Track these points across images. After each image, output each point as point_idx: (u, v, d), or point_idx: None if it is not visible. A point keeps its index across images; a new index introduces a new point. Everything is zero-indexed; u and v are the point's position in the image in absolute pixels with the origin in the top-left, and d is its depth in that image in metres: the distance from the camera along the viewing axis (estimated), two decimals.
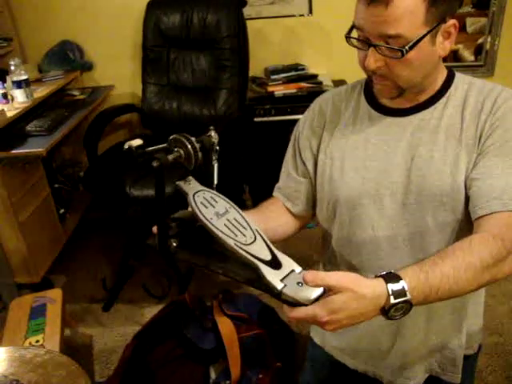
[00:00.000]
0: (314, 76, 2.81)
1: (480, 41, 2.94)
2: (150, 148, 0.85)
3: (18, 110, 2.31)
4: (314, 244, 2.41)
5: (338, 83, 2.79)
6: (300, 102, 2.60)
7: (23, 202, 2.32)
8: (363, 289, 0.73)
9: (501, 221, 0.84)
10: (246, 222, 0.82)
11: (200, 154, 0.84)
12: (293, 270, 0.75)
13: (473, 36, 2.98)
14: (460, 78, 1.01)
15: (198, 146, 0.84)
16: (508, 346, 2.01)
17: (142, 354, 1.74)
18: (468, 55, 3.00)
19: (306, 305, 0.72)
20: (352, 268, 1.08)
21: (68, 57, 2.91)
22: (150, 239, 0.90)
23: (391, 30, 0.85)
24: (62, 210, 2.79)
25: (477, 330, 1.18)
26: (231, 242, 0.77)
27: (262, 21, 2.87)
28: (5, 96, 2.31)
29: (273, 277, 0.73)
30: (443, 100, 0.99)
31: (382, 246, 1.02)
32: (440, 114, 0.98)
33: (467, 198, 0.93)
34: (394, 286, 0.74)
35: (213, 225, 0.79)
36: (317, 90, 2.65)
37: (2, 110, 2.21)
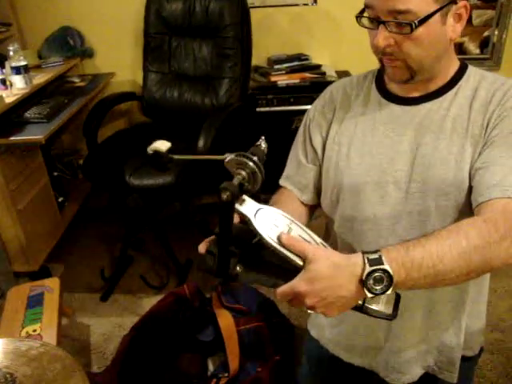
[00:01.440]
0: (318, 66, 2.78)
1: (486, 33, 2.91)
2: (181, 156, 0.79)
3: (16, 97, 2.28)
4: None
5: (342, 74, 2.76)
6: (303, 93, 2.57)
7: (21, 190, 2.30)
8: (337, 257, 0.76)
9: (498, 207, 0.82)
10: (310, 235, 0.80)
11: (263, 170, 0.76)
12: None
13: (479, 29, 2.95)
14: (472, 70, 1.00)
15: (257, 161, 0.75)
16: (509, 342, 1.99)
17: (139, 345, 1.73)
18: (473, 48, 2.97)
19: (389, 318, 0.75)
20: None
21: (68, 43, 2.87)
22: (201, 262, 0.84)
23: (401, 5, 0.84)
24: (60, 199, 2.77)
25: (477, 331, 1.16)
26: (302, 264, 0.76)
27: (266, 9, 2.83)
28: (3, 82, 2.28)
29: None
30: (453, 90, 0.97)
31: (382, 233, 1.01)
32: (449, 104, 0.97)
33: (471, 188, 0.92)
34: (370, 255, 0.75)
35: (284, 248, 0.76)
36: (320, 81, 2.62)
37: (1, 96, 2.19)
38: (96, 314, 2.30)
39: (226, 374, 1.66)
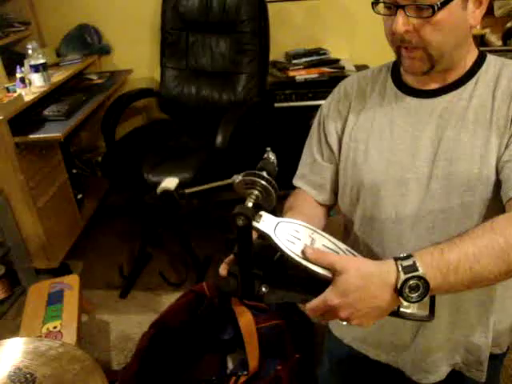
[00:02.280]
0: (336, 61, 2.75)
1: (509, 25, 2.83)
2: (191, 189, 0.76)
3: (35, 95, 2.29)
4: (333, 233, 2.36)
5: (361, 68, 2.72)
6: (321, 87, 2.55)
7: (41, 188, 2.31)
8: (368, 265, 0.73)
9: None
10: (334, 243, 0.77)
11: (276, 185, 0.74)
12: None
13: (501, 20, 2.87)
14: (492, 59, 0.96)
15: (268, 176, 0.73)
16: None
17: (159, 342, 1.73)
18: (495, 40, 2.89)
19: (427, 319, 0.74)
20: (373, 256, 1.04)
21: (86, 41, 2.88)
22: (224, 285, 0.81)
23: None
24: (79, 196, 2.78)
25: (505, 328, 1.12)
26: (330, 276, 0.73)
27: (283, 3, 2.80)
28: (22, 80, 2.29)
29: None
30: (473, 80, 0.94)
31: (404, 233, 0.98)
32: (469, 94, 0.93)
33: (498, 183, 0.88)
34: (403, 262, 0.72)
35: (310, 263, 0.73)
36: (339, 75, 2.58)
37: (20, 94, 2.20)
38: (115, 311, 2.31)
39: (246, 372, 1.65)
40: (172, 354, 1.75)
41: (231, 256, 0.81)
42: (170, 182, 0.74)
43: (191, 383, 1.68)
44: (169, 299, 2.11)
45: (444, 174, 0.92)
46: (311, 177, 1.13)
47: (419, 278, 0.70)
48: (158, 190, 0.74)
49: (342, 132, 1.07)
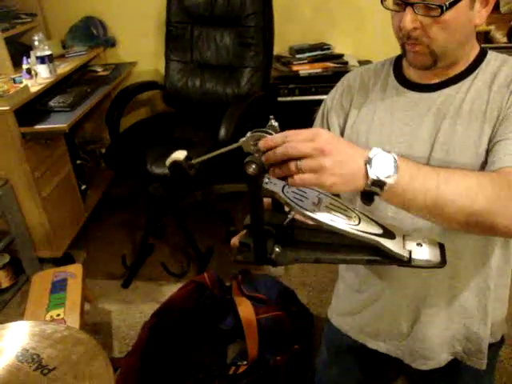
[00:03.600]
0: (340, 56, 2.76)
1: None
2: (199, 159, 0.75)
3: (41, 86, 2.31)
4: None
5: (364, 63, 2.69)
6: (325, 82, 2.56)
7: (46, 178, 2.34)
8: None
9: (509, 175, 0.79)
10: (340, 202, 0.77)
11: None
12: (404, 235, 0.76)
13: (506, 16, 2.87)
14: (493, 55, 0.98)
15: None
16: None
17: (160, 331, 1.75)
18: (500, 37, 2.89)
19: (440, 265, 0.73)
20: None
21: (91, 33, 2.90)
22: (237, 254, 0.81)
23: None
24: (83, 187, 2.81)
25: (499, 316, 1.14)
26: (347, 228, 0.72)
27: None
28: (29, 71, 2.31)
29: (396, 247, 0.72)
30: (473, 75, 0.96)
31: (404, 223, 0.99)
32: (467, 88, 0.95)
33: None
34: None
35: (321, 216, 0.72)
36: (342, 70, 2.59)
37: (26, 85, 2.22)
38: (117, 300, 2.34)
39: (245, 362, 1.67)
40: (173, 343, 1.77)
41: (243, 231, 0.82)
42: (178, 154, 0.74)
43: (191, 372, 1.71)
44: (170, 289, 2.14)
45: (441, 164, 0.93)
46: None
47: (391, 157, 0.69)
48: (167, 162, 0.74)
49: (344, 125, 1.09)
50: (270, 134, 0.70)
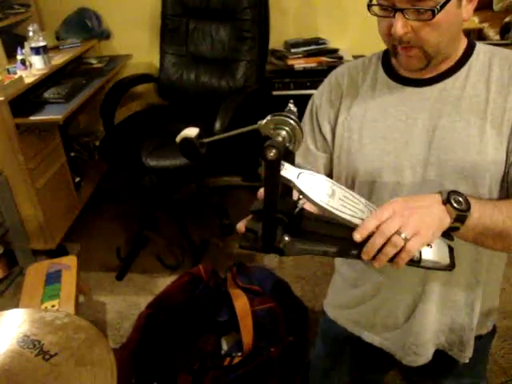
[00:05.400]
0: (335, 50, 2.77)
1: (507, 19, 2.85)
2: (211, 138, 0.74)
3: (35, 77, 2.30)
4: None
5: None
6: (319, 77, 2.51)
7: (40, 169, 2.33)
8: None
9: None
10: (353, 196, 0.77)
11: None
12: None
13: (499, 14, 2.90)
14: (481, 46, 0.98)
15: (296, 118, 0.70)
16: None
17: (155, 323, 1.76)
18: (493, 34, 2.92)
19: (449, 268, 0.77)
20: None
21: (86, 25, 2.88)
22: (243, 240, 0.79)
23: None
24: (77, 179, 2.80)
25: (491, 308, 1.16)
26: (359, 223, 0.73)
27: None
28: (23, 62, 2.30)
29: None
30: (465, 68, 0.96)
31: None
32: (462, 83, 0.95)
33: (496, 171, 0.92)
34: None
35: (334, 209, 0.72)
36: (337, 65, 2.54)
37: (20, 76, 2.21)
38: (112, 292, 2.34)
39: (240, 354, 1.68)
40: (168, 334, 1.78)
41: (249, 216, 0.81)
42: (190, 131, 0.72)
43: (186, 363, 1.72)
44: (165, 282, 2.14)
45: (439, 162, 0.94)
46: (307, 166, 1.12)
47: (461, 195, 0.79)
48: (178, 139, 0.72)
49: (335, 122, 1.08)
50: (290, 117, 0.69)
